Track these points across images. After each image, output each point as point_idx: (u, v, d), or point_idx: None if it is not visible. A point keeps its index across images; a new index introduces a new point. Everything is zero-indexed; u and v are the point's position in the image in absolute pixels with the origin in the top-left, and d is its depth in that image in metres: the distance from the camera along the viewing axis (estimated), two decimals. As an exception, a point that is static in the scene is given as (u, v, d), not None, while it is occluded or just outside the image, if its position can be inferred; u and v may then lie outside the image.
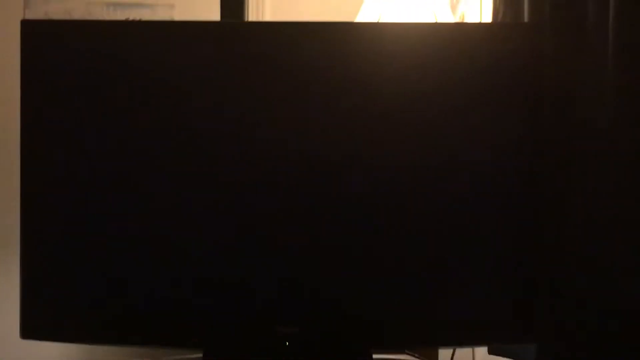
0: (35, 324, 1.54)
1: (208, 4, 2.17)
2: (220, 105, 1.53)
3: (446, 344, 1.69)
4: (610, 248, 1.49)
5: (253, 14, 2.20)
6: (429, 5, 1.98)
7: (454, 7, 2.12)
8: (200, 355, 1.56)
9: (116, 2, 2.12)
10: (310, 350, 1.53)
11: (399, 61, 1.53)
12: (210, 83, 1.53)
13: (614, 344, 1.48)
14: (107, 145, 1.53)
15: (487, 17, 1.95)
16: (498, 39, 1.56)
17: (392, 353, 1.69)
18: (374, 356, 1.57)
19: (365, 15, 2.01)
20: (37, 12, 2.08)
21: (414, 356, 1.70)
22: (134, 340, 1.56)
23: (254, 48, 1.53)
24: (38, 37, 1.54)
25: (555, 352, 1.58)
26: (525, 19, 1.70)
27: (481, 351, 1.93)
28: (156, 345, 1.59)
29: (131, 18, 2.07)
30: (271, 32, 1.55)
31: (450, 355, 1.87)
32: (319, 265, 1.52)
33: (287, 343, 1.51)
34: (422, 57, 1.54)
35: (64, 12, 2.08)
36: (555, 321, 1.57)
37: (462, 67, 1.54)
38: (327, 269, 1.52)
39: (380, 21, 1.96)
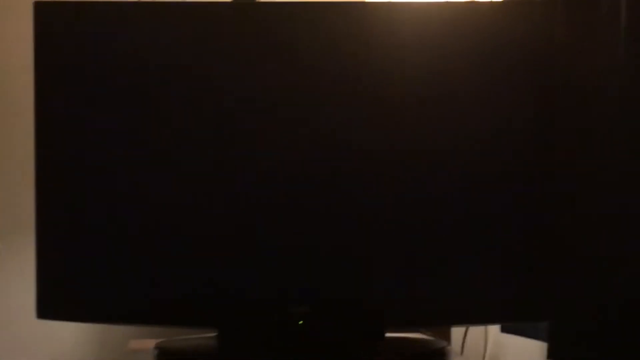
0: (51, 304, 1.55)
1: (220, -15, 2.16)
2: (231, 86, 1.53)
3: (459, 322, 1.70)
4: (622, 233, 1.49)
5: (264, -6, 2.19)
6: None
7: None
8: (215, 334, 1.57)
9: (128, -17, 2.11)
10: (324, 329, 1.53)
11: (409, 41, 1.53)
12: (221, 64, 1.53)
13: (624, 323, 1.49)
14: (121, 128, 1.53)
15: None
16: (510, 17, 1.55)
17: (404, 332, 1.70)
18: (387, 335, 1.57)
19: (377, -6, 2.00)
20: (50, -6, 2.07)
21: (426, 334, 1.71)
22: (148, 319, 1.57)
23: (265, 29, 1.53)
24: (51, 18, 1.54)
25: (566, 330, 1.58)
26: (537, -2, 1.69)
27: (494, 329, 1.93)
28: (171, 325, 1.60)
29: (143, -1, 2.07)
30: (281, 12, 1.55)
31: (463, 334, 1.87)
32: (332, 245, 1.53)
33: (301, 322, 1.52)
34: (433, 36, 1.53)
35: (77, -7, 2.07)
36: (566, 299, 1.57)
37: (473, 46, 1.53)
38: (340, 249, 1.53)
39: (390, 1, 1.95)
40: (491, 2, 1.90)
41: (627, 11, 1.45)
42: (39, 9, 1.55)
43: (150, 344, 1.63)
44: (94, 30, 1.54)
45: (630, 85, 1.46)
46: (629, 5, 1.45)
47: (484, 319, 1.65)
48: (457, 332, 1.89)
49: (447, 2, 1.90)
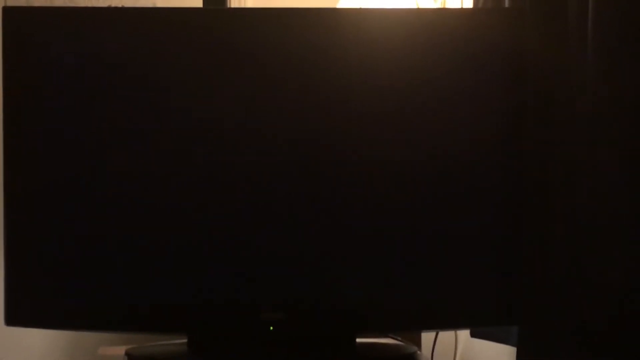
0: (20, 311, 1.54)
1: (190, -10, 2.16)
2: (203, 91, 1.53)
3: (429, 327, 1.71)
4: (591, 237, 1.50)
5: (235, 0, 2.20)
6: (410, -9, 1.99)
7: (435, -7, 2.12)
8: (185, 340, 1.57)
9: (98, -11, 2.11)
10: (295, 335, 1.54)
11: (380, 47, 1.54)
12: (192, 70, 1.53)
13: (594, 328, 1.50)
14: (91, 132, 1.53)
15: (468, 3, 1.96)
16: (479, 25, 1.57)
17: (375, 337, 1.70)
18: (358, 340, 1.58)
19: (347, 2, 2.02)
20: (19, -1, 2.07)
21: (397, 340, 1.72)
22: (118, 326, 1.56)
23: (236, 35, 1.54)
24: (20, 24, 1.54)
25: (536, 335, 1.59)
26: (506, 5, 1.71)
27: (464, 334, 1.94)
28: (141, 331, 1.60)
29: (113, 5, 2.07)
30: (253, 18, 1.55)
31: (433, 339, 1.88)
32: (304, 250, 1.53)
33: (272, 328, 1.52)
34: (404, 43, 1.54)
35: (46, -2, 2.07)
36: (536, 304, 1.59)
37: (443, 52, 1.55)
38: (311, 254, 1.53)
39: (361, 7, 1.96)
40: (461, 9, 1.92)
41: (594, 17, 1.47)
42: (7, 15, 1.54)
43: (120, 350, 1.63)
44: (63, 36, 1.53)
45: (599, 91, 1.48)
46: (595, 13, 1.47)
47: (454, 324, 1.66)
48: (427, 337, 1.89)
49: (417, 8, 1.91)
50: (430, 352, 1.88)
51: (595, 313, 1.50)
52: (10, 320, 1.55)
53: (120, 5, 2.05)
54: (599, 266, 1.49)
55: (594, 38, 1.47)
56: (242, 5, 2.21)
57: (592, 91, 1.49)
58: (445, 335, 1.94)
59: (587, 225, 1.50)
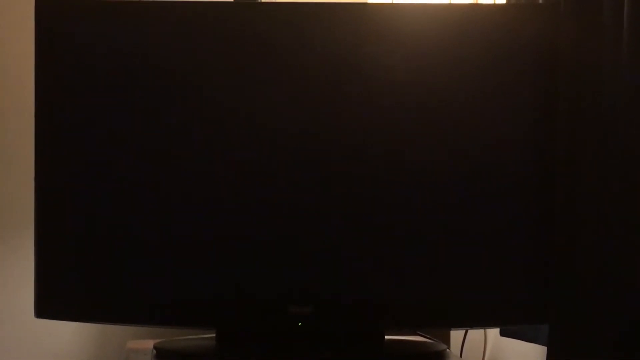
0: (49, 303, 1.55)
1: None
2: (232, 85, 1.53)
3: (458, 325, 1.70)
4: (624, 236, 1.49)
5: (266, -5, 2.20)
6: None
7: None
8: (213, 334, 1.57)
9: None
10: (323, 330, 1.53)
11: (411, 43, 1.53)
12: (222, 63, 1.53)
13: (626, 328, 1.49)
14: (120, 127, 1.53)
15: (501, -1, 1.95)
16: (512, 20, 1.56)
17: (404, 334, 1.70)
18: (387, 337, 1.57)
19: (379, -4, 2.01)
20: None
21: (426, 337, 1.71)
22: (146, 320, 1.57)
23: (267, 29, 1.53)
24: (52, 14, 1.54)
25: (566, 334, 1.58)
26: (540, 1, 1.69)
27: (493, 333, 1.93)
28: (169, 325, 1.60)
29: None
30: (284, 12, 1.55)
31: (462, 337, 1.87)
32: (333, 247, 1.53)
33: (300, 323, 1.52)
34: (435, 38, 1.54)
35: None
36: (566, 303, 1.57)
37: (475, 48, 1.54)
38: (340, 249, 1.53)
39: (392, 2, 1.95)
40: (494, 5, 1.90)
41: (630, 13, 1.45)
42: (39, 7, 1.55)
43: (148, 344, 1.63)
44: (95, 28, 1.54)
45: (634, 88, 1.46)
46: (631, 8, 1.45)
47: (484, 322, 1.65)
48: (456, 335, 1.89)
49: (449, 4, 1.90)
50: (459, 350, 1.88)
51: (626, 313, 1.48)
52: (40, 313, 1.56)
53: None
54: (631, 265, 1.47)
55: (630, 34, 1.46)
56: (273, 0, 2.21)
57: (626, 88, 1.48)
58: (475, 334, 1.93)
59: (620, 223, 1.49)
